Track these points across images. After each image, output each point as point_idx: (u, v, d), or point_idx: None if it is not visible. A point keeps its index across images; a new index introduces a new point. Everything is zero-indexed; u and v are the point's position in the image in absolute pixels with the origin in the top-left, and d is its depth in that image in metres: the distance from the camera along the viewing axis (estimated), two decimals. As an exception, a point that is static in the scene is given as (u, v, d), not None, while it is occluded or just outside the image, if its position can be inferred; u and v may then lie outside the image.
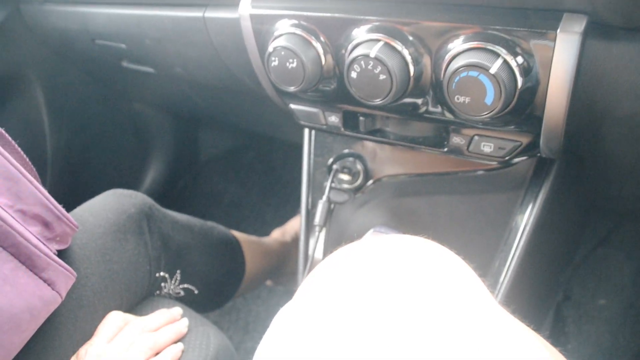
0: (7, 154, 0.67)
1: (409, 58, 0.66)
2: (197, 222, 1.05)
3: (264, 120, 1.42)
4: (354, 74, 0.67)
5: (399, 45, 0.65)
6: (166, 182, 1.84)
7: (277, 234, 1.49)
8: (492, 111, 0.62)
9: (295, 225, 1.53)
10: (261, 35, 0.78)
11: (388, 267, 0.49)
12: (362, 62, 0.66)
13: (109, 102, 1.62)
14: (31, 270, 0.67)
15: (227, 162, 1.94)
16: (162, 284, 0.94)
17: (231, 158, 1.94)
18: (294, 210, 1.65)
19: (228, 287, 1.15)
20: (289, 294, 1.61)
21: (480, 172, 0.84)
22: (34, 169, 0.75)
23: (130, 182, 1.75)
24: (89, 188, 1.42)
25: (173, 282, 0.95)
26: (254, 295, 1.62)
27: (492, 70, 0.59)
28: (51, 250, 0.70)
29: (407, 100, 0.70)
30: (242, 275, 1.17)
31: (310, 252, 0.92)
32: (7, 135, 0.74)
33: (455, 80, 0.62)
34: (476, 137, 0.72)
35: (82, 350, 0.79)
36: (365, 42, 0.66)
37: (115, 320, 0.83)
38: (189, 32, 0.94)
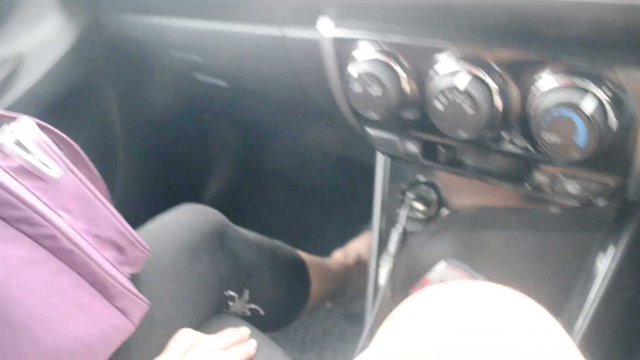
0: (82, 177, 0.68)
1: (497, 92, 0.63)
2: (267, 242, 1.05)
3: (332, 139, 1.41)
4: (439, 106, 0.65)
5: (487, 79, 0.63)
6: (230, 193, 1.85)
7: (339, 256, 1.47)
8: (583, 153, 0.59)
9: (357, 247, 1.51)
10: (342, 58, 0.76)
11: (475, 319, 0.47)
12: (449, 95, 0.64)
13: (179, 112, 1.63)
14: (106, 299, 0.67)
15: (291, 177, 1.94)
16: (230, 303, 0.93)
17: (295, 173, 1.93)
18: (355, 230, 1.63)
19: (293, 309, 1.14)
20: (347, 316, 1.60)
21: (559, 211, 0.81)
22: (105, 188, 0.75)
23: (195, 192, 1.77)
24: (156, 196, 1.44)
25: (241, 301, 0.95)
26: (312, 315, 1.60)
27: (588, 111, 0.56)
28: (124, 275, 0.70)
29: (492, 134, 0.68)
30: (308, 297, 1.16)
31: (381, 282, 0.89)
32: (82, 152, 0.75)
33: (546, 119, 0.59)
34: (561, 176, 0.69)
35: None
36: (453, 73, 0.64)
37: (186, 337, 0.82)
38: (268, 49, 0.93)
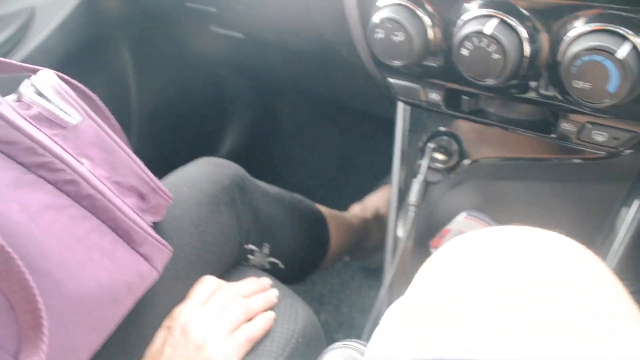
0: (102, 123, 0.67)
1: (525, 37, 0.62)
2: (286, 195, 1.04)
3: (350, 92, 1.39)
4: (465, 52, 0.64)
5: (515, 23, 0.61)
6: (245, 148, 1.84)
7: (356, 210, 1.47)
8: (614, 99, 0.57)
9: (374, 201, 1.50)
10: (364, 4, 0.74)
11: (519, 261, 0.46)
12: (475, 40, 0.62)
13: (193, 65, 1.61)
14: (129, 245, 0.67)
15: (306, 131, 1.93)
16: (250, 256, 0.93)
17: (310, 128, 1.92)
18: (371, 184, 1.63)
19: (312, 263, 1.14)
20: (364, 269, 1.60)
21: (583, 161, 0.79)
22: (125, 137, 0.75)
23: (210, 147, 1.76)
24: (171, 151, 1.43)
25: (261, 255, 0.95)
26: (330, 268, 1.61)
27: (620, 55, 0.54)
28: (147, 223, 0.70)
29: (518, 81, 0.66)
30: (327, 251, 1.16)
31: (401, 233, 0.89)
32: (101, 103, 0.74)
33: (576, 64, 0.57)
34: (588, 125, 0.67)
35: (176, 311, 0.79)
36: (479, 17, 0.62)
37: (209, 284, 0.83)
38: (286, -2, 0.92)
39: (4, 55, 1.09)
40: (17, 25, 1.11)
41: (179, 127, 1.64)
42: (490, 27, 0.61)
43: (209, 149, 1.76)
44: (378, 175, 1.62)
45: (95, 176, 0.64)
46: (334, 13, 0.83)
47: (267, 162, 1.90)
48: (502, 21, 0.61)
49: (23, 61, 1.02)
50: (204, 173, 0.89)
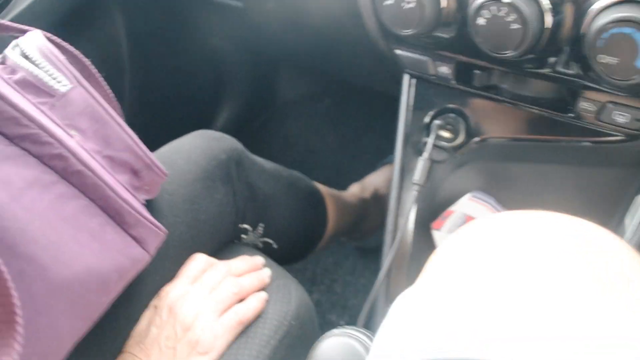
0: (94, 92, 0.62)
1: (547, 7, 0.57)
2: (284, 172, 1.00)
3: (352, 66, 1.35)
4: (481, 21, 0.60)
5: (536, -9, 0.57)
6: (240, 122, 1.80)
7: (355, 189, 1.43)
8: (643, 75, 0.54)
9: (374, 181, 1.47)
10: (374, -31, 0.70)
11: (533, 253, 0.42)
12: (493, 8, 0.58)
13: (188, 35, 1.57)
14: (120, 227, 0.62)
15: (303, 107, 1.89)
16: (243, 235, 0.90)
17: (307, 103, 1.89)
18: (370, 163, 1.59)
19: (308, 244, 1.11)
20: (359, 249, 1.57)
21: (596, 144, 0.76)
22: (119, 107, 0.70)
23: (204, 119, 1.72)
24: (163, 123, 1.39)
25: (254, 234, 0.91)
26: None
27: (653, 28, 0.50)
28: (139, 202, 0.65)
29: (536, 55, 0.62)
30: (324, 232, 1.13)
31: (407, 212, 0.85)
32: (92, 67, 0.69)
33: (603, 37, 0.53)
34: (609, 105, 0.63)
35: (164, 291, 0.76)
36: (498, -15, 0.58)
37: (199, 262, 0.79)
38: (289, -38, 0.87)
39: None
40: (5, -15, 1.06)
41: (173, 98, 1.60)
42: (510, -6, 0.57)
43: (203, 122, 1.72)
44: (378, 155, 1.59)
45: (86, 150, 0.59)
46: (340, -20, 0.79)
47: (262, 137, 1.86)
48: (523, -11, 0.57)
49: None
50: (199, 146, 0.85)
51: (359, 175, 1.52)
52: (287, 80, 1.90)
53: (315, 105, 1.87)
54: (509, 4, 0.57)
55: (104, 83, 0.69)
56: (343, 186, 1.43)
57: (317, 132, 1.85)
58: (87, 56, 0.69)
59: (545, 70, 0.64)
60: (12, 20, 1.02)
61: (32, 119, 0.55)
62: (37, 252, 0.54)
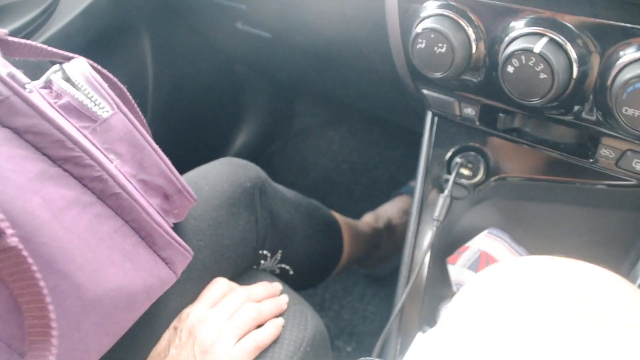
0: (132, 117, 0.64)
1: (574, 58, 0.60)
2: (304, 201, 1.03)
3: (370, 99, 1.37)
4: (510, 69, 0.62)
5: (564, 43, 0.59)
6: (256, 147, 1.83)
7: (369, 219, 1.45)
8: (664, 128, 0.56)
9: (388, 211, 1.49)
10: (407, 14, 0.73)
11: (556, 301, 0.44)
12: (523, 58, 0.60)
13: (212, 61, 1.60)
14: (151, 248, 0.64)
15: (319, 134, 1.91)
16: (262, 261, 0.92)
17: (324, 131, 1.91)
18: (383, 192, 1.61)
19: (323, 271, 1.13)
20: (368, 277, 1.59)
21: (612, 187, 0.78)
22: (150, 132, 0.72)
23: (223, 145, 1.74)
24: (183, 146, 1.41)
25: (272, 260, 0.93)
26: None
27: (675, 84, 0.53)
28: (169, 225, 0.68)
29: (560, 102, 0.65)
30: (339, 260, 1.15)
31: (425, 246, 0.87)
32: (128, 94, 0.72)
33: (628, 91, 0.56)
34: (629, 153, 0.65)
35: (184, 313, 0.78)
36: (528, 35, 0.61)
37: (220, 285, 0.81)
38: (322, 0, 0.90)
39: (25, 38, 1.07)
40: (41, 8, 1.09)
41: (193, 122, 1.63)
42: (540, 45, 0.59)
43: (222, 145, 1.74)
44: (392, 185, 1.61)
45: (122, 174, 0.62)
46: (372, 20, 0.81)
47: (277, 163, 1.88)
48: (552, 40, 0.59)
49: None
50: (225, 173, 0.87)
51: (371, 204, 1.54)
52: (305, 107, 1.92)
53: (331, 133, 1.89)
54: (538, 55, 0.59)
55: (139, 110, 0.72)
56: (356, 213, 1.45)
57: (332, 160, 1.87)
58: (115, 75, 0.71)
59: (568, 117, 0.66)
60: (45, 42, 1.05)
61: (76, 142, 0.57)
62: (73, 269, 0.55)
